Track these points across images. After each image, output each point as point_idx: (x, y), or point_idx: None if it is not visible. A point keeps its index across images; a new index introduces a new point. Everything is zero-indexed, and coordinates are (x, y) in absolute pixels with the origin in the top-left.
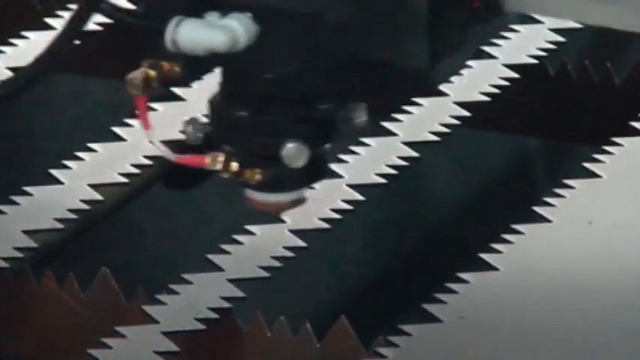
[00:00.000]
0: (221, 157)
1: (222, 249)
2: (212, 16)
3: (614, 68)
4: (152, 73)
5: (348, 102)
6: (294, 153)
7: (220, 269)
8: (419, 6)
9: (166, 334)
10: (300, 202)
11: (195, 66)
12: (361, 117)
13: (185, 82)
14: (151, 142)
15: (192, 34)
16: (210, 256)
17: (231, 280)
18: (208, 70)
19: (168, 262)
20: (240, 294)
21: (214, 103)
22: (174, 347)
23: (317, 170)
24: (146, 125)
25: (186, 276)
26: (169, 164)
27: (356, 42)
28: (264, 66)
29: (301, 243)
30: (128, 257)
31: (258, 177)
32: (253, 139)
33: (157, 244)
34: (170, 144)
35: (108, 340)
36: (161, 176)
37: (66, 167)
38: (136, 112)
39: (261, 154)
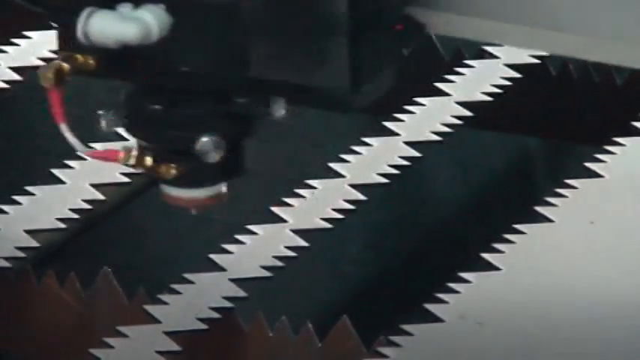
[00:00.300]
0: (134, 152)
1: (223, 248)
2: (125, 8)
3: (616, 68)
4: (65, 66)
5: (266, 96)
6: (209, 147)
7: (222, 269)
8: (340, 27)
9: (168, 333)
10: (218, 197)
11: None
12: (279, 111)
13: None
14: (65, 135)
15: (103, 26)
16: (211, 256)
17: (232, 280)
18: None
19: (170, 262)
20: (241, 294)
21: (128, 97)
22: (175, 347)
23: (234, 165)
24: (58, 118)
25: (187, 275)
26: None
27: (272, 60)
28: (178, 58)
29: (303, 243)
30: (130, 257)
31: (173, 172)
32: (167, 133)
33: (159, 243)
34: None
35: (109, 340)
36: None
37: (67, 167)
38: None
39: (175, 148)
